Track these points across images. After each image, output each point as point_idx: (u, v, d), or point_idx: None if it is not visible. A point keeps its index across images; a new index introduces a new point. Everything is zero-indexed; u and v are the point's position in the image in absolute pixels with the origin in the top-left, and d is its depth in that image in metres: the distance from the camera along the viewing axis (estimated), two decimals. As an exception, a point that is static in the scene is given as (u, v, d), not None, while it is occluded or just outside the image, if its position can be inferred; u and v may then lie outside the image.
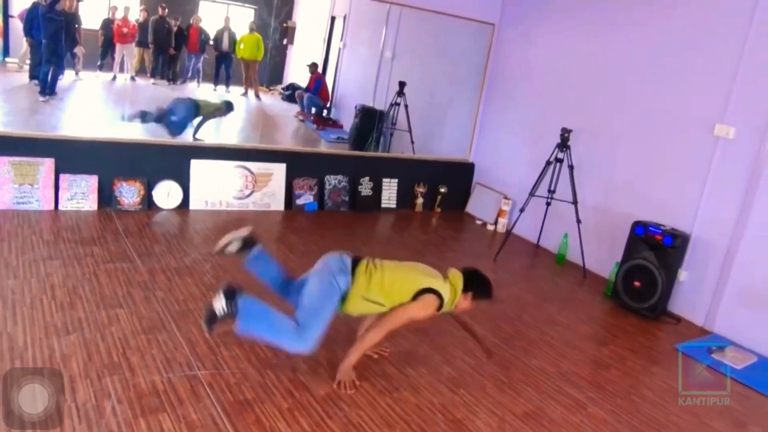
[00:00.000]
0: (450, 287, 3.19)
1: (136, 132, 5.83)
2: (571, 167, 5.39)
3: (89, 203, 5.01)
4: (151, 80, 6.93)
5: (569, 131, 5.38)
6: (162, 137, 5.76)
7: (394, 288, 3.10)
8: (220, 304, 2.88)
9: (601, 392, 3.56)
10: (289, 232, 5.37)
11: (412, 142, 7.44)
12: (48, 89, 5.91)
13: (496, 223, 6.57)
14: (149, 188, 5.22)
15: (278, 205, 5.84)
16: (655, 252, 4.70)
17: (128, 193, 5.13)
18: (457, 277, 3.23)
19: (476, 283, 3.26)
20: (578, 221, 5.40)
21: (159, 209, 5.27)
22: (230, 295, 2.91)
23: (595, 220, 5.54)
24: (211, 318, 2.88)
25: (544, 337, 4.15)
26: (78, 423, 2.49)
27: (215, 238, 4.80)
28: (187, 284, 3.95)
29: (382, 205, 6.57)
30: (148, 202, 5.22)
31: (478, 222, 6.74)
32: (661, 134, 5.05)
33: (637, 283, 4.75)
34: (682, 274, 4.81)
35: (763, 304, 4.40)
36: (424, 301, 3.10)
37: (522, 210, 5.60)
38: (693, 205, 4.77)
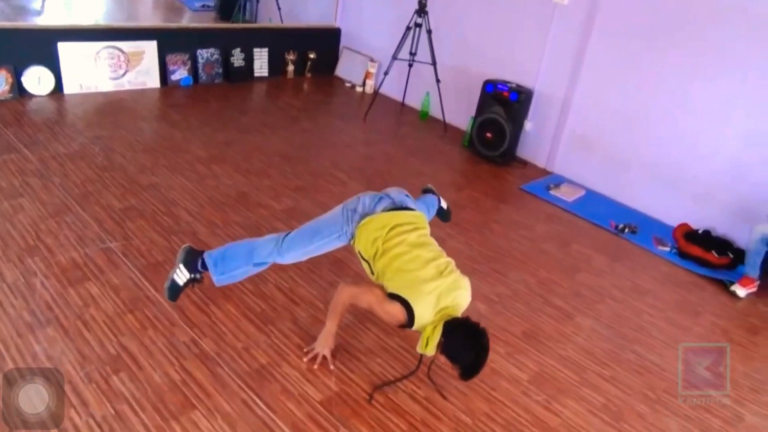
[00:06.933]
0: (433, 324, 2.51)
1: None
2: (429, 31, 5.84)
3: (-45, 94, 4.93)
4: None
5: (426, -3, 5.78)
6: (20, 22, 5.56)
7: (387, 276, 2.63)
8: (182, 276, 2.78)
9: (457, 228, 4.29)
10: (168, 108, 5.56)
11: (279, 9, 7.57)
12: None
13: (363, 84, 7.01)
14: (17, 75, 5.16)
15: (154, 82, 5.93)
16: (504, 107, 5.37)
17: (-5, 82, 5.07)
18: (451, 322, 2.51)
19: (453, 344, 2.49)
20: (437, 81, 5.95)
21: (32, 96, 5.24)
22: (190, 263, 2.78)
23: (452, 79, 6.11)
24: (175, 291, 2.78)
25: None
26: (14, 299, 2.87)
27: (97, 121, 4.99)
28: (81, 168, 4.17)
29: (255, 75, 6.76)
30: (18, 90, 5.18)
31: (347, 85, 7.14)
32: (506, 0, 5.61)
33: (489, 135, 5.45)
34: (528, 125, 5.56)
35: (589, 146, 5.27)
36: (388, 309, 2.56)
37: (386, 73, 6.06)
38: (535, 63, 5.43)
